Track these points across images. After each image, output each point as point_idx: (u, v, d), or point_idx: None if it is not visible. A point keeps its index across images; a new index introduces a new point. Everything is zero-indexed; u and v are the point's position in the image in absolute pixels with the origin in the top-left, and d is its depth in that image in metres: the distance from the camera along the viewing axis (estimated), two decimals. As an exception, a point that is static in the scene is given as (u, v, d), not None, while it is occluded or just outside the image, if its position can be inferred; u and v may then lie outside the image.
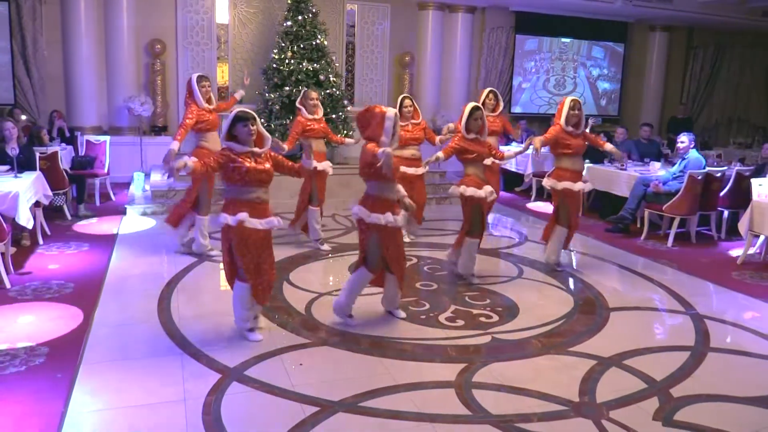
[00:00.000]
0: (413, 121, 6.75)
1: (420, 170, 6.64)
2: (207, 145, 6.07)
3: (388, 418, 3.28)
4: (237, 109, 4.13)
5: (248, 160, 4.03)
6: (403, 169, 6.32)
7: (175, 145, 5.85)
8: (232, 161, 4.00)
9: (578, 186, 5.87)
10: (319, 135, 6.44)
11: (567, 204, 5.94)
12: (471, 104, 5.47)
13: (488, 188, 5.42)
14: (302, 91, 6.59)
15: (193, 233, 6.23)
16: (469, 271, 5.61)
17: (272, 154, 4.25)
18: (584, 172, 6.27)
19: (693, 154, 7.34)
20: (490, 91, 7.24)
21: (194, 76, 6.15)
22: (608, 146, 6.25)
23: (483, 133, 5.44)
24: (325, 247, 6.57)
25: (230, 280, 4.25)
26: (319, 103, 6.58)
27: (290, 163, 4.43)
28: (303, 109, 6.39)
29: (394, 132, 4.38)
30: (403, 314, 4.76)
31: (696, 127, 14.19)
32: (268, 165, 4.13)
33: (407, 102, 6.71)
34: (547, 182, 6.02)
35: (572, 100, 5.87)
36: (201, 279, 5.56)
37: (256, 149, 4.09)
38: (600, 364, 4.02)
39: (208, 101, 6.19)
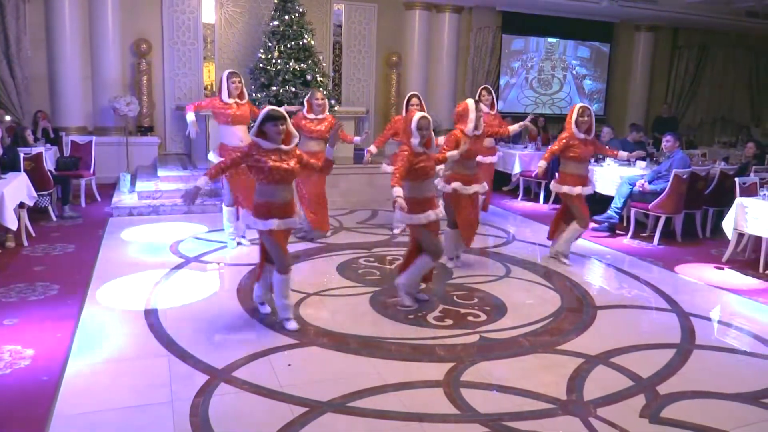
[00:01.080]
0: None
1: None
2: (225, 142, 6.31)
3: (376, 418, 3.28)
4: (269, 107, 4.30)
5: (273, 157, 4.17)
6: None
7: (190, 116, 6.39)
8: (256, 160, 4.16)
9: (577, 190, 6.07)
10: (318, 137, 6.61)
11: (577, 205, 6.14)
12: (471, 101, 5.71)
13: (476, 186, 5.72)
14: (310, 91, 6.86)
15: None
16: (450, 253, 5.93)
17: (298, 152, 4.36)
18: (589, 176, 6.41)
19: (678, 153, 7.41)
20: (484, 88, 7.55)
21: (225, 72, 6.37)
22: (622, 154, 6.65)
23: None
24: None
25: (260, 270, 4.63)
26: (325, 103, 6.79)
27: (314, 162, 4.57)
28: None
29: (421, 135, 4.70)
30: (425, 296, 5.10)
31: (681, 127, 14.31)
32: (293, 163, 4.25)
33: (414, 100, 6.89)
34: (552, 186, 6.34)
35: (581, 107, 6.06)
36: (188, 280, 5.53)
37: (283, 147, 4.21)
38: (587, 362, 4.04)
39: (240, 96, 6.33)
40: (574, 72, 14.17)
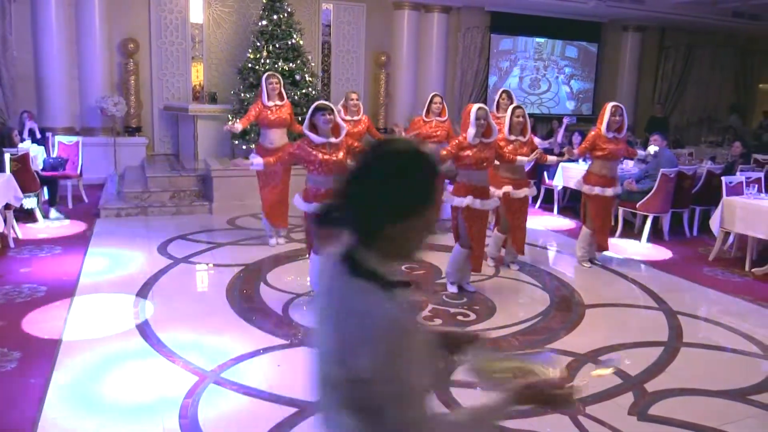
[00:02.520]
0: (439, 118, 6.93)
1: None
2: (265, 144, 6.40)
3: (366, 417, 3.28)
4: (318, 102, 4.71)
5: (323, 151, 4.53)
6: None
7: (238, 127, 6.50)
8: (308, 153, 4.54)
9: (596, 190, 5.93)
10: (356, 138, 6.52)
11: (588, 206, 6.08)
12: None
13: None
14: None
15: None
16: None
17: (349, 143, 4.68)
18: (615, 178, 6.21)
19: (665, 153, 7.46)
20: (503, 92, 7.35)
21: (264, 75, 6.47)
22: (641, 153, 6.79)
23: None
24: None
25: (309, 251, 4.99)
26: (360, 104, 7.04)
27: None
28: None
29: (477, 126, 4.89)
30: (472, 288, 5.31)
31: (668, 126, 14.41)
32: (341, 154, 4.59)
33: (437, 99, 7.05)
34: (575, 184, 6.32)
35: (613, 106, 5.92)
36: (176, 282, 5.50)
37: (333, 139, 4.56)
38: (576, 360, 4.06)
39: (279, 97, 6.41)
40: (562, 72, 14.23)
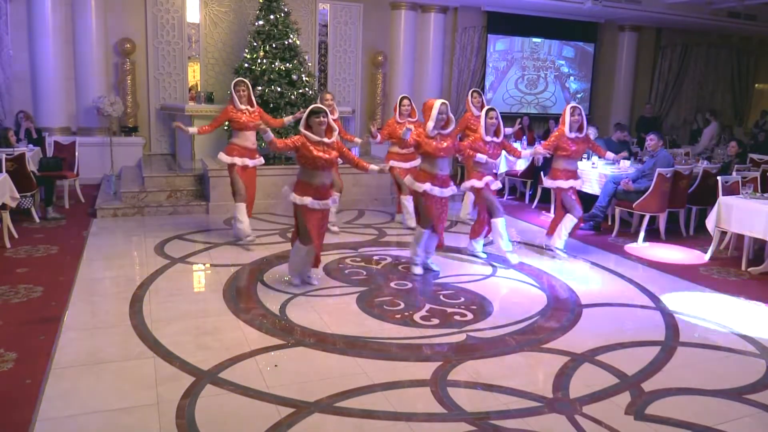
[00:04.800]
0: (410, 119, 7.39)
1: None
2: (237, 141, 6.55)
3: (363, 418, 3.28)
4: (313, 105, 5.12)
5: (318, 148, 4.96)
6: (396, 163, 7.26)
7: (193, 130, 6.71)
8: (305, 146, 4.94)
9: (569, 183, 6.42)
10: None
11: (567, 197, 6.46)
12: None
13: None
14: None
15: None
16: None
17: (339, 144, 5.16)
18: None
19: (662, 152, 7.48)
20: (474, 91, 7.85)
21: (234, 82, 6.61)
22: (610, 155, 6.88)
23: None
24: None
25: (293, 242, 5.31)
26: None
27: (353, 157, 5.37)
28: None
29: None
30: (437, 268, 5.85)
31: (665, 126, 14.44)
32: (333, 153, 5.06)
33: (405, 101, 7.47)
34: (546, 182, 6.65)
35: (572, 107, 6.43)
36: (173, 281, 5.50)
37: (326, 139, 5.02)
38: (573, 360, 4.07)
39: (249, 103, 6.57)
40: (559, 72, 14.25)
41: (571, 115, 6.30)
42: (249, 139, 6.56)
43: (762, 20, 14.08)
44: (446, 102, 5.54)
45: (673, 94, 15.56)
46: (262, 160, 6.80)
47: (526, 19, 13.40)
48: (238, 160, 6.47)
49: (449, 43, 12.83)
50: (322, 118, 4.96)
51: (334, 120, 6.90)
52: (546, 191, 9.06)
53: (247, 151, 6.52)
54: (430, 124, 5.46)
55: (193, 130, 6.72)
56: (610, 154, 6.89)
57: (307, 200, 4.99)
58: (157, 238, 6.79)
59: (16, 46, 9.55)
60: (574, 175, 6.49)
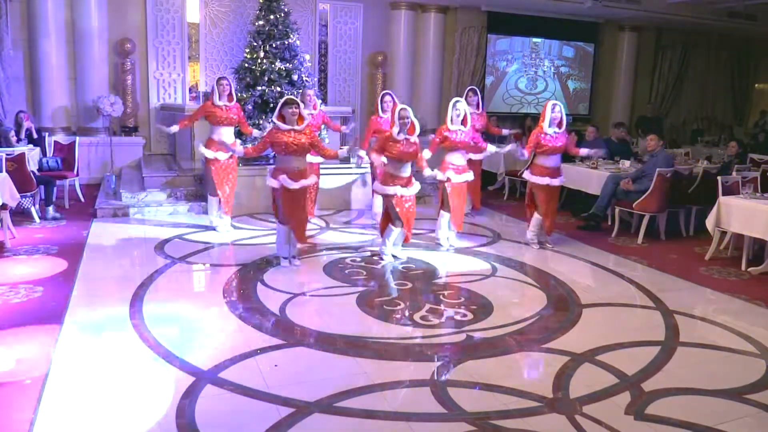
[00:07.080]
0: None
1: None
2: (213, 137, 6.84)
3: (363, 417, 3.28)
4: (286, 96, 5.70)
5: (288, 136, 5.47)
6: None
7: (174, 128, 7.10)
8: (276, 138, 5.47)
9: (545, 180, 6.59)
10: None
11: (537, 195, 6.69)
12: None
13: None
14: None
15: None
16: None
17: (311, 134, 5.62)
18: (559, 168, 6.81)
19: (662, 152, 7.48)
20: (470, 89, 8.10)
21: (217, 78, 7.03)
22: (583, 151, 6.98)
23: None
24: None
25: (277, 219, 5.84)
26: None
27: (323, 146, 5.82)
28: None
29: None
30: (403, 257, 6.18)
31: (664, 126, 14.43)
32: (304, 139, 5.53)
33: (387, 98, 7.53)
34: (525, 175, 6.85)
35: (552, 104, 6.56)
36: (173, 281, 5.50)
37: (297, 127, 5.51)
38: (573, 360, 4.07)
39: (229, 98, 6.91)
40: (558, 72, 14.25)
41: (552, 111, 6.48)
42: (224, 134, 6.80)
43: (762, 20, 14.08)
44: (407, 107, 5.90)
45: (673, 95, 15.56)
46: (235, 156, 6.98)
47: (526, 19, 13.39)
48: (220, 155, 6.85)
49: (449, 43, 12.82)
50: (294, 109, 5.49)
51: (318, 113, 7.52)
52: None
53: (223, 147, 6.59)
54: (395, 129, 5.82)
55: (174, 128, 7.08)
56: (584, 150, 7.01)
57: (281, 179, 5.45)
58: (157, 238, 6.79)
59: (16, 46, 9.53)
60: (552, 172, 6.61)
